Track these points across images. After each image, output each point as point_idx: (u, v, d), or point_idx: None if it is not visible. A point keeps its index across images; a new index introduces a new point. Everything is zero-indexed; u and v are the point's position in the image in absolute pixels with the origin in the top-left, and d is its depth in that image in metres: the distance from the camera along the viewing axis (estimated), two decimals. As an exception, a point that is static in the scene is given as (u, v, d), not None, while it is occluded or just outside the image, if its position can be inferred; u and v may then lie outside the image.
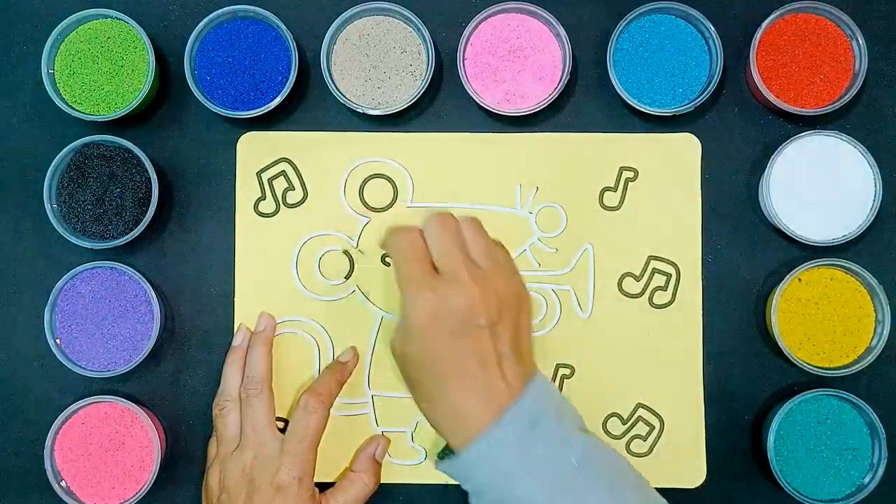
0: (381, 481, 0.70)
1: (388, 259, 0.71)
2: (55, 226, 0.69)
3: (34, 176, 0.71)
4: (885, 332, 0.67)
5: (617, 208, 0.71)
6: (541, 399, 0.60)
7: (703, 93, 0.69)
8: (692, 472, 0.70)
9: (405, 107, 0.69)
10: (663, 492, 0.63)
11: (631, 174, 0.71)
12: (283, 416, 0.70)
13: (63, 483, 0.69)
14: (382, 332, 0.71)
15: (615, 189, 0.71)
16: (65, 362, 0.69)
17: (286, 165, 0.72)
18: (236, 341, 0.71)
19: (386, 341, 0.71)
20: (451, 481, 0.70)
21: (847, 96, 0.68)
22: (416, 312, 0.60)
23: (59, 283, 0.69)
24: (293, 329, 0.71)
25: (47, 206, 0.69)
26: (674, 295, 0.71)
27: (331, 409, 0.69)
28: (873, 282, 0.68)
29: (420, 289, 0.60)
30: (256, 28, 0.70)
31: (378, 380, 0.71)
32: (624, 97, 0.69)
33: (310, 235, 0.72)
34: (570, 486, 0.57)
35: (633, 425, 0.71)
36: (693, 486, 0.70)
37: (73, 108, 0.70)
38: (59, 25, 0.69)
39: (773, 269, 0.71)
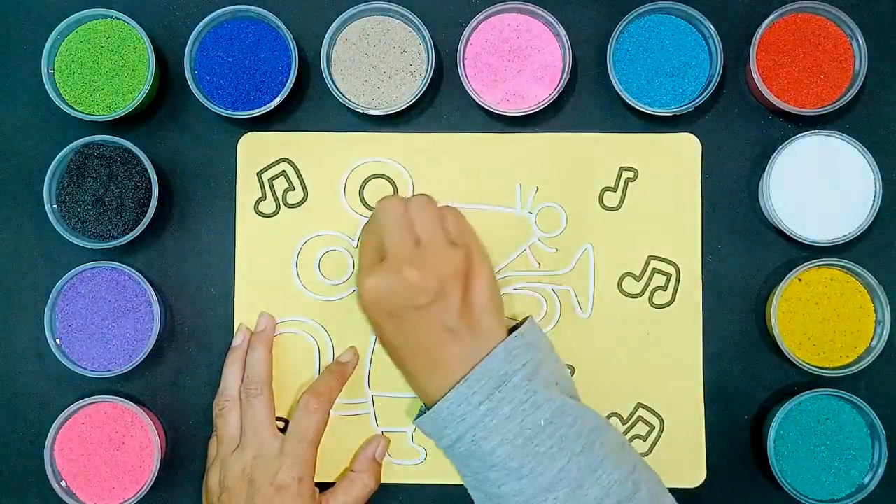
0: (381, 481, 0.70)
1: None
2: (55, 226, 0.69)
3: (34, 176, 0.71)
4: (885, 332, 0.67)
5: (617, 208, 0.71)
6: (513, 358, 0.61)
7: (703, 93, 0.69)
8: (692, 471, 0.70)
9: (405, 107, 0.69)
10: (663, 492, 0.63)
11: (631, 174, 0.71)
12: (284, 416, 0.70)
13: (63, 483, 0.69)
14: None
15: (615, 189, 0.71)
16: (65, 362, 0.69)
17: (286, 165, 0.72)
18: (236, 341, 0.71)
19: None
20: (451, 481, 0.70)
21: (847, 96, 0.69)
22: (362, 301, 0.63)
23: (59, 283, 0.69)
24: (293, 329, 0.71)
25: (47, 206, 0.69)
26: (674, 295, 0.71)
27: (332, 410, 0.69)
28: (873, 282, 0.68)
29: (363, 278, 0.63)
30: (256, 28, 0.70)
31: (378, 380, 0.71)
32: (624, 97, 0.69)
33: (310, 235, 0.72)
34: (537, 445, 0.59)
35: (633, 425, 0.71)
36: (693, 486, 0.70)
37: (73, 108, 0.70)
38: (59, 25, 0.69)
39: (773, 269, 0.71)
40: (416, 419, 0.63)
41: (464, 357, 0.61)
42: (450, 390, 0.60)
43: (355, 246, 0.72)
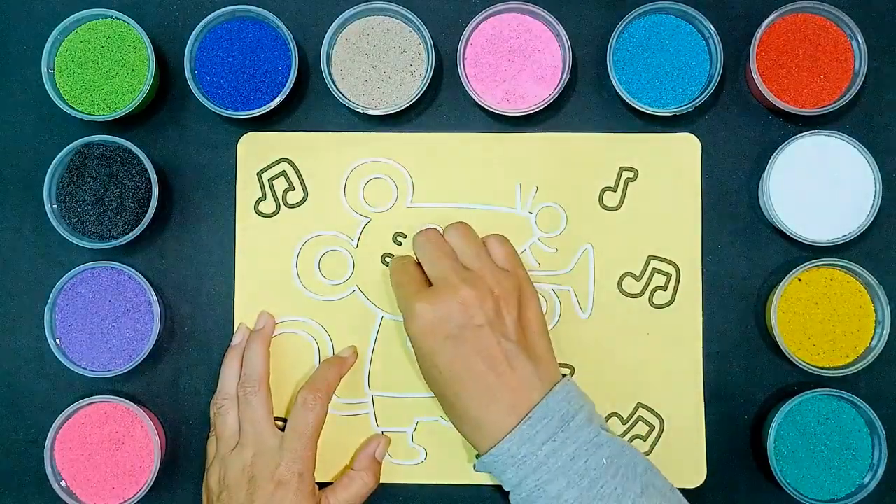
0: (381, 481, 0.70)
1: (388, 259, 0.71)
2: (55, 226, 0.69)
3: (34, 176, 0.71)
4: (885, 332, 0.67)
5: (617, 208, 0.71)
6: (571, 399, 0.61)
7: (703, 93, 0.69)
8: (692, 472, 0.70)
9: (405, 107, 0.69)
10: (663, 492, 0.63)
11: (631, 174, 0.71)
12: (283, 415, 0.70)
13: (63, 483, 0.69)
14: (383, 331, 0.71)
15: (615, 189, 0.71)
16: (65, 362, 0.69)
17: (286, 165, 0.72)
18: (235, 340, 0.71)
19: (386, 341, 0.71)
20: (452, 481, 0.70)
21: (847, 96, 0.68)
22: (414, 327, 0.62)
23: (59, 283, 0.69)
24: (293, 329, 0.71)
25: (47, 206, 0.69)
26: (674, 295, 0.71)
27: (332, 410, 0.69)
28: (873, 282, 0.68)
29: (412, 303, 0.62)
30: (256, 28, 0.70)
31: (378, 380, 0.71)
32: (624, 97, 0.69)
33: (310, 235, 0.72)
34: (603, 487, 0.58)
35: (633, 425, 0.71)
36: (693, 486, 0.70)
37: (73, 108, 0.70)
38: (59, 25, 0.69)
39: (773, 269, 0.71)
40: (476, 463, 0.63)
41: (523, 386, 0.61)
42: (510, 432, 0.60)
43: (355, 246, 0.72)
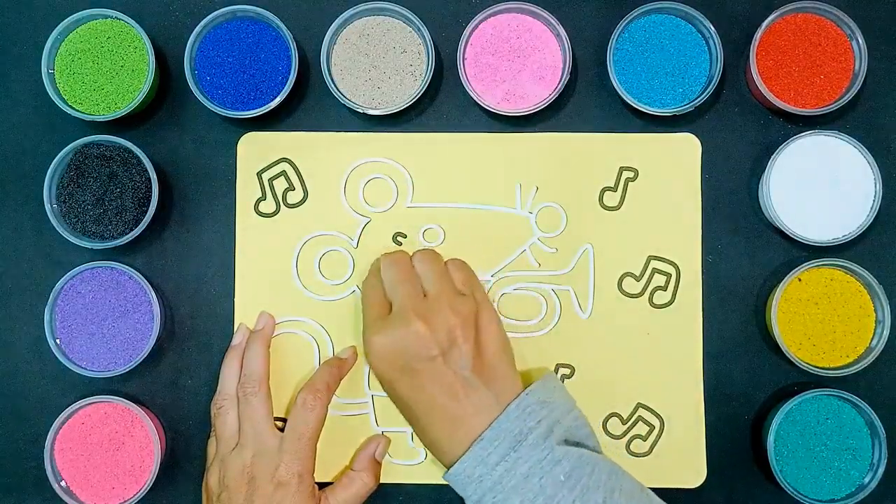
0: (381, 481, 0.70)
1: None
2: (55, 226, 0.69)
3: (34, 176, 0.71)
4: (885, 332, 0.67)
5: (617, 208, 0.71)
6: (528, 416, 0.61)
7: (703, 93, 0.69)
8: (692, 472, 0.70)
9: (405, 107, 0.69)
10: (663, 492, 0.63)
11: (631, 174, 0.71)
12: (283, 415, 0.70)
13: (63, 483, 0.69)
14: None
15: (615, 189, 0.71)
16: (65, 362, 0.69)
17: (286, 165, 0.72)
18: (235, 340, 0.71)
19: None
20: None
21: (847, 96, 0.69)
22: (372, 358, 0.64)
23: (59, 283, 0.69)
24: (293, 329, 0.71)
25: (47, 206, 0.69)
26: (674, 295, 0.71)
27: (331, 410, 0.69)
28: (873, 282, 0.68)
29: (369, 332, 0.64)
30: (256, 28, 0.70)
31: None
32: (624, 97, 0.69)
33: (310, 235, 0.72)
34: (559, 502, 0.58)
35: (633, 425, 0.70)
36: (693, 486, 0.70)
37: (73, 108, 0.70)
38: (59, 25, 0.69)
39: (773, 269, 0.71)
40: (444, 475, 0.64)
41: (480, 411, 0.61)
42: (466, 451, 0.60)
43: (355, 246, 0.72)
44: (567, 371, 0.71)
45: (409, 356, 0.62)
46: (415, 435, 0.69)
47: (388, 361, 0.63)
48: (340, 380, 0.70)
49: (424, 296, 0.64)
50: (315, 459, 0.67)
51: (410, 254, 0.68)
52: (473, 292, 0.66)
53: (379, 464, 0.70)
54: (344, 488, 0.68)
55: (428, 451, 0.66)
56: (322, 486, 0.68)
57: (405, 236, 0.71)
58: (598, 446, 0.64)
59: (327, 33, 0.70)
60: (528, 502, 0.59)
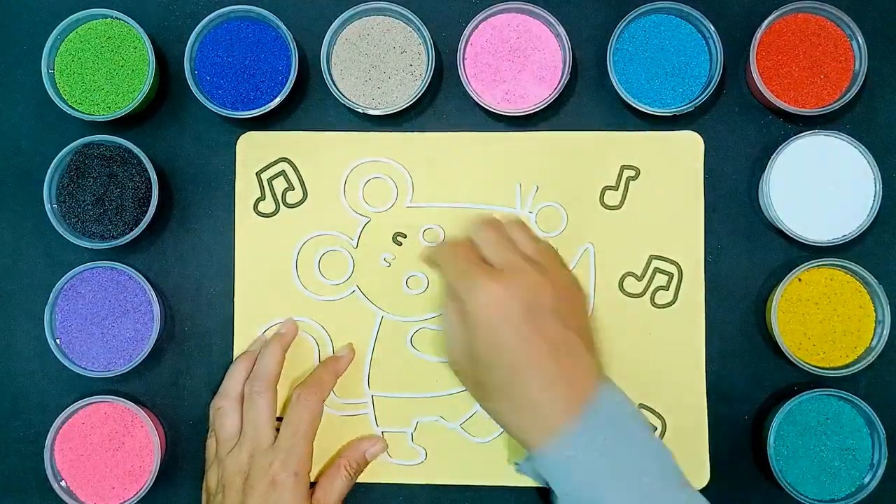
0: (381, 481, 0.70)
1: (388, 259, 0.71)
2: (55, 226, 0.69)
3: (34, 176, 0.71)
4: (885, 332, 0.67)
5: (618, 207, 0.71)
6: (619, 401, 0.60)
7: (703, 93, 0.69)
8: (695, 472, 0.70)
9: (405, 107, 0.69)
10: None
11: (632, 173, 0.71)
12: (282, 416, 0.70)
13: (63, 483, 0.69)
14: (382, 331, 0.71)
15: (616, 188, 0.71)
16: (65, 362, 0.69)
17: (286, 165, 0.72)
18: (252, 346, 0.70)
19: (386, 341, 0.71)
20: (451, 481, 0.70)
21: (847, 96, 0.69)
22: (480, 305, 0.59)
23: (59, 283, 0.69)
24: (293, 329, 0.72)
25: (47, 206, 0.69)
26: (676, 294, 0.71)
27: (331, 410, 0.69)
28: (873, 282, 0.68)
29: (480, 282, 0.59)
30: (256, 28, 0.70)
31: (378, 380, 0.71)
32: (624, 97, 0.69)
33: (310, 235, 0.72)
34: (654, 492, 0.57)
35: (633, 425, 0.70)
36: (697, 487, 0.69)
37: (73, 108, 0.70)
38: (59, 25, 0.69)
39: (773, 269, 0.71)
40: (519, 465, 0.61)
41: (579, 375, 0.59)
42: (566, 425, 0.57)
43: (355, 246, 0.72)
44: (567, 371, 0.71)
45: (522, 303, 0.58)
46: (486, 414, 0.63)
47: (499, 308, 0.58)
48: (337, 377, 0.70)
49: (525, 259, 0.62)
50: (311, 458, 0.67)
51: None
52: (567, 267, 0.67)
53: (367, 462, 0.70)
54: (331, 480, 0.67)
55: (508, 429, 0.60)
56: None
57: (405, 236, 0.71)
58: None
59: (327, 33, 0.70)
60: (632, 489, 0.56)
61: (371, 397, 0.71)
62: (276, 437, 0.66)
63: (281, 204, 0.72)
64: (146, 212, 0.69)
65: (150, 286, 0.69)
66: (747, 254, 0.71)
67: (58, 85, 0.70)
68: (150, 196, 0.69)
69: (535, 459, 0.59)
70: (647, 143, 0.71)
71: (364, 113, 0.70)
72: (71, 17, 0.69)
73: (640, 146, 0.71)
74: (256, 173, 0.72)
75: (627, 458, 0.57)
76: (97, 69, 0.70)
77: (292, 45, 0.69)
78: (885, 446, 0.67)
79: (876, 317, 0.68)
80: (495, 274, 0.60)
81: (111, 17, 0.70)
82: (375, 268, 0.72)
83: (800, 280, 0.68)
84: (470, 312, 0.59)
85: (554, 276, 0.62)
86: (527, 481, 0.67)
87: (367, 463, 0.69)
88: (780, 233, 0.69)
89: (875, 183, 0.68)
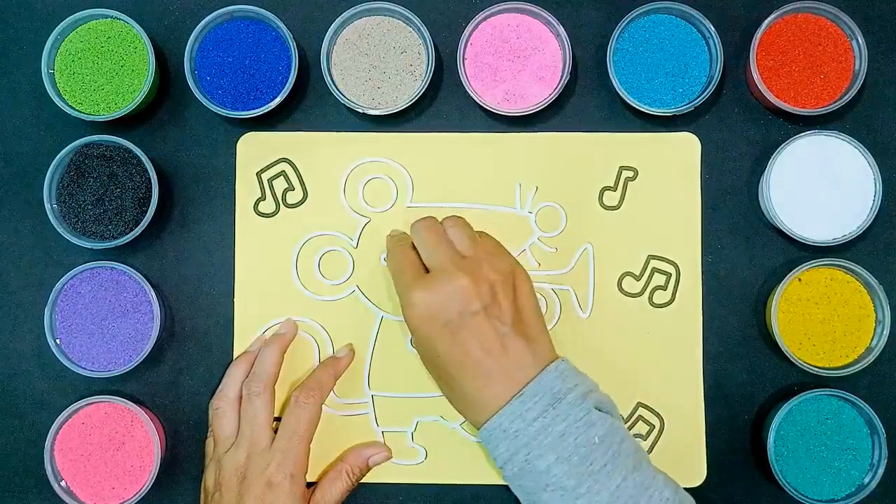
0: (382, 481, 0.70)
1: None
2: (55, 226, 0.69)
3: (34, 176, 0.71)
4: (885, 332, 0.67)
5: (617, 208, 0.71)
6: (565, 377, 0.62)
7: (703, 93, 0.69)
8: (692, 471, 0.70)
9: (405, 107, 0.69)
10: (663, 492, 0.63)
11: (631, 173, 0.71)
12: (280, 415, 0.70)
13: (63, 483, 0.69)
14: (382, 331, 0.71)
15: (615, 188, 0.71)
16: (65, 362, 0.69)
17: (286, 165, 0.72)
18: (252, 347, 0.70)
19: (386, 341, 0.71)
20: (451, 481, 0.70)
21: (847, 96, 0.68)
22: (412, 313, 0.63)
23: (59, 283, 0.69)
24: (293, 329, 0.72)
25: (47, 206, 0.69)
26: (674, 294, 0.71)
27: (332, 410, 0.69)
28: (873, 282, 0.68)
29: (411, 290, 0.63)
30: (256, 28, 0.70)
31: (378, 380, 0.71)
32: (624, 97, 0.69)
33: (310, 235, 0.72)
34: (592, 464, 0.59)
35: (633, 425, 0.70)
36: (693, 486, 0.70)
37: (73, 108, 0.70)
38: (59, 25, 0.69)
39: (773, 269, 0.71)
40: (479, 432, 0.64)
41: (518, 368, 0.62)
42: (504, 405, 0.61)
43: (355, 246, 0.72)
44: (567, 371, 0.71)
45: (452, 311, 0.62)
46: (447, 401, 0.67)
47: (429, 317, 0.62)
48: (336, 379, 0.70)
49: (462, 257, 0.64)
50: (308, 460, 0.67)
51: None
52: (505, 254, 0.66)
53: (368, 468, 0.70)
54: (331, 483, 0.67)
55: (461, 413, 0.65)
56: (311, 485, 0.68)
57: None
58: (623, 423, 0.64)
59: (327, 33, 0.70)
60: (563, 461, 0.59)
61: (371, 397, 0.71)
62: (273, 438, 0.66)
63: (281, 204, 0.72)
64: (146, 212, 0.69)
65: (150, 286, 0.69)
66: (747, 253, 0.71)
67: (58, 85, 0.70)
68: (150, 196, 0.69)
69: (483, 430, 0.62)
70: (645, 144, 0.72)
71: (364, 113, 0.70)
72: (71, 17, 0.69)
73: (638, 147, 0.71)
74: (257, 173, 0.72)
75: (562, 428, 0.59)
76: (97, 69, 0.70)
77: (292, 45, 0.69)
78: (885, 446, 0.67)
79: (876, 317, 0.68)
80: (427, 282, 0.63)
81: (111, 17, 0.70)
82: (375, 268, 0.72)
83: (800, 280, 0.68)
84: (406, 318, 0.64)
85: (490, 268, 0.63)
86: None
87: (368, 469, 0.70)
88: (780, 232, 0.69)
89: (875, 183, 0.68)
